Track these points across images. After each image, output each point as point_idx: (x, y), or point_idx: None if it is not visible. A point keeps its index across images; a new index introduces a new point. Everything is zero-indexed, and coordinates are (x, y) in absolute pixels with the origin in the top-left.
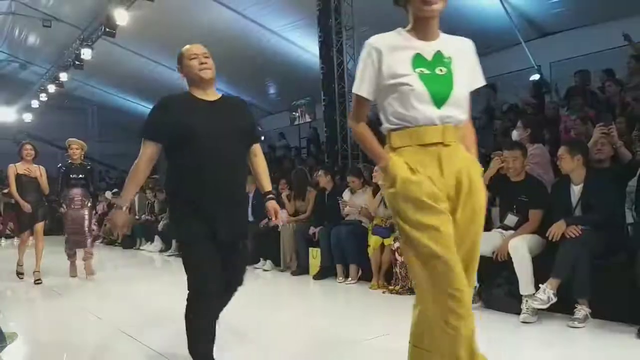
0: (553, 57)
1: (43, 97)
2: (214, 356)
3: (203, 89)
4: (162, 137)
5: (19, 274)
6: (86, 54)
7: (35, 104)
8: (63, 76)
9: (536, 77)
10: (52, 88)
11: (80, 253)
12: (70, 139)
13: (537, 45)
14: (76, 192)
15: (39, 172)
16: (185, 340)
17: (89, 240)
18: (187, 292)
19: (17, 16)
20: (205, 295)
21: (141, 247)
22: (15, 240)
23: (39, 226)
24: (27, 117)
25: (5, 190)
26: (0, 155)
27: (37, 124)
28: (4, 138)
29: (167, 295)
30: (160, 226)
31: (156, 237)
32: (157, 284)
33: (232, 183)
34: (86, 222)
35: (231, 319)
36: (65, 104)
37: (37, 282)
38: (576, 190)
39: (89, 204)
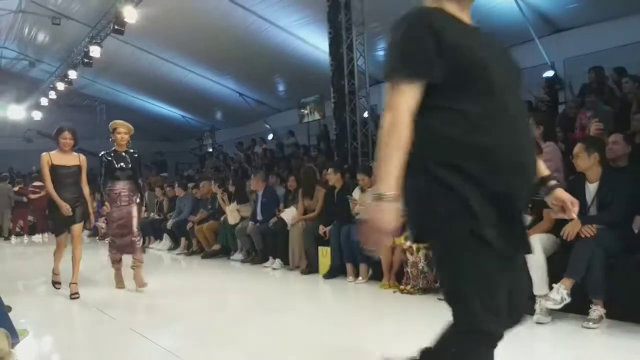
0: (567, 53)
1: (52, 94)
2: (224, 355)
3: (462, 8)
4: (437, 72)
5: (55, 283)
6: (95, 51)
7: (44, 101)
8: (72, 74)
9: (550, 73)
10: (61, 86)
11: (125, 259)
12: (115, 120)
13: (550, 41)
14: (122, 186)
15: (78, 161)
16: (194, 338)
17: (138, 244)
18: (452, 330)
19: (26, 14)
20: (492, 339)
21: (150, 246)
22: (26, 239)
23: (77, 228)
24: (37, 114)
25: (16, 188)
26: (10, 152)
27: (47, 122)
28: (14, 136)
29: (176, 294)
30: (169, 224)
31: (165, 235)
32: (165, 282)
33: (532, 155)
34: (135, 222)
35: (241, 317)
36: (74, 101)
37: (74, 296)
38: (591, 188)
39: (138, 200)
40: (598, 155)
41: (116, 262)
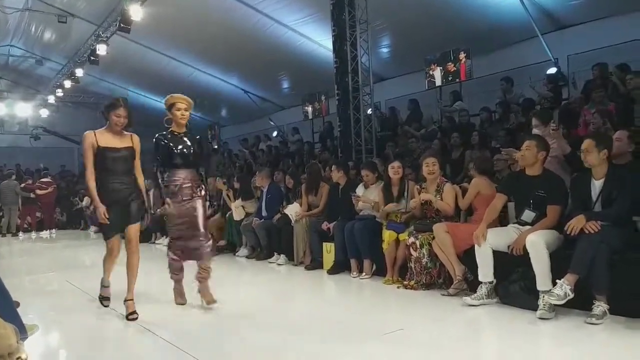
0: (570, 50)
1: (59, 92)
2: (230, 350)
3: None
4: None
5: (103, 299)
6: (101, 49)
7: (51, 99)
8: (79, 72)
9: (553, 70)
10: (68, 83)
11: (188, 267)
12: (172, 94)
13: (554, 38)
14: (183, 176)
15: (131, 142)
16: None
17: (206, 249)
18: None
19: (33, 12)
20: None
21: (156, 242)
22: (34, 235)
23: (134, 230)
24: (44, 112)
25: (23, 185)
26: (17, 149)
27: (53, 119)
28: (21, 133)
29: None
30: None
31: None
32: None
33: None
34: (201, 221)
35: (246, 312)
36: (80, 99)
37: (132, 317)
38: (597, 185)
39: (202, 192)
40: (607, 152)
41: (176, 272)
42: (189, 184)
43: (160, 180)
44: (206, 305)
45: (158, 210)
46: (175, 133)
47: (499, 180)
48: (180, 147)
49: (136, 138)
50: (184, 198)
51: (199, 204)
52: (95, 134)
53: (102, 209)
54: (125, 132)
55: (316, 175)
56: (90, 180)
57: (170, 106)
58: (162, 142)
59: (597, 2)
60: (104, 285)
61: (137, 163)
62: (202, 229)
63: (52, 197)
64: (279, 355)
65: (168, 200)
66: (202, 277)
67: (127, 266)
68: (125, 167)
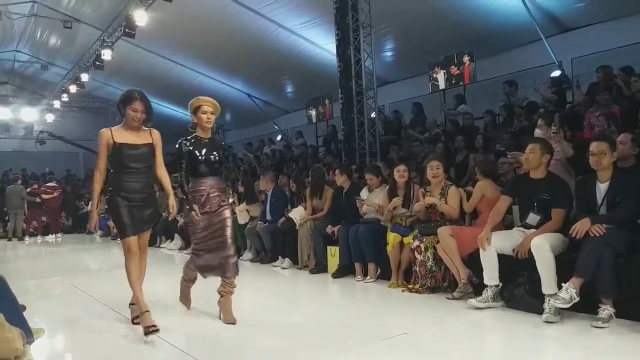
0: (574, 52)
1: (64, 97)
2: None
3: None
4: None
5: (149, 328)
6: (106, 54)
7: (57, 104)
8: (84, 77)
9: (557, 73)
10: (73, 88)
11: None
12: (198, 97)
13: (558, 41)
14: (210, 185)
15: (150, 138)
16: (204, 337)
17: (232, 264)
18: None
19: (38, 18)
20: None
21: (161, 245)
22: (39, 239)
23: (144, 238)
24: (49, 117)
25: (29, 189)
26: (23, 154)
27: (59, 124)
28: (27, 138)
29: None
30: (179, 224)
31: (176, 235)
32: (176, 282)
33: None
34: (229, 232)
35: (250, 316)
36: (86, 104)
37: (137, 320)
38: (602, 188)
39: (230, 200)
40: (615, 155)
41: (189, 281)
42: (216, 193)
43: (185, 188)
44: (224, 322)
45: (184, 218)
46: (200, 138)
47: (504, 183)
48: (205, 152)
49: (156, 133)
50: (212, 208)
51: (227, 213)
52: (111, 130)
53: (95, 219)
54: (144, 128)
55: (320, 179)
56: (97, 182)
57: (196, 109)
58: (186, 148)
59: (601, 5)
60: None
61: (159, 159)
62: (229, 241)
63: (57, 201)
64: (283, 359)
65: (195, 207)
66: (225, 291)
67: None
68: (144, 165)
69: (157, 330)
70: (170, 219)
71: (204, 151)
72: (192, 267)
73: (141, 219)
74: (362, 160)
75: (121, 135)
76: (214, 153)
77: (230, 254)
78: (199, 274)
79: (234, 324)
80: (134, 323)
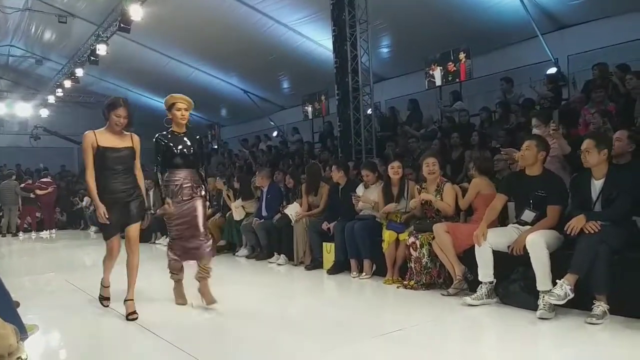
0: (570, 50)
1: (59, 92)
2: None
3: None
4: None
5: (104, 299)
6: (101, 49)
7: (51, 99)
8: (79, 72)
9: (553, 70)
10: (68, 83)
11: (187, 267)
12: (172, 94)
13: (554, 38)
14: (183, 176)
15: (131, 142)
16: (199, 332)
17: (206, 249)
18: None
19: (33, 12)
20: None
21: (157, 242)
22: (34, 235)
23: (134, 230)
24: (44, 112)
25: (23, 185)
26: (17, 149)
27: (54, 119)
28: (21, 133)
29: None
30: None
31: None
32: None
33: None
34: (201, 221)
35: (245, 312)
36: (80, 99)
37: (132, 317)
38: (597, 185)
39: (202, 192)
40: (607, 152)
41: (176, 272)
42: (189, 184)
43: (160, 180)
44: (206, 305)
45: (158, 210)
46: (176, 133)
47: (499, 180)
48: (180, 147)
49: (136, 138)
50: (184, 198)
51: (199, 203)
52: (95, 134)
53: (102, 208)
54: (125, 132)
55: (316, 175)
56: (90, 180)
57: (171, 106)
58: (163, 142)
59: (597, 2)
60: (104, 285)
61: (137, 163)
62: (202, 229)
63: (52, 197)
64: (278, 355)
65: (168, 200)
66: (202, 276)
67: (127, 266)
68: (125, 167)
69: (107, 306)
70: (158, 212)
71: (179, 145)
72: (171, 255)
73: (128, 213)
74: (358, 156)
75: (105, 138)
76: (189, 146)
77: (203, 240)
78: (183, 264)
79: (216, 302)
80: (128, 319)
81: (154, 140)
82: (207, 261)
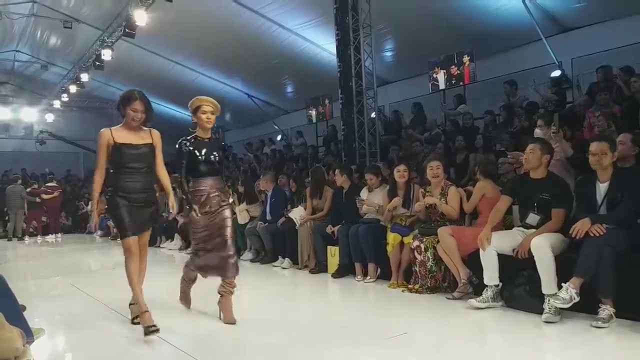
0: (574, 52)
1: (64, 97)
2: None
3: None
4: None
5: (150, 327)
6: (106, 54)
7: (57, 104)
8: (84, 76)
9: (557, 73)
10: (73, 88)
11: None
12: (198, 96)
13: (558, 41)
14: (210, 185)
15: (150, 139)
16: (204, 337)
17: (231, 264)
18: None
19: (38, 18)
20: None
21: (161, 245)
22: (39, 239)
23: (145, 237)
24: (49, 117)
25: (28, 189)
26: (23, 154)
27: (59, 124)
28: (27, 138)
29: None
30: (180, 224)
31: (176, 235)
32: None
33: None
34: (229, 232)
35: (250, 316)
36: (86, 103)
37: (137, 320)
38: (602, 188)
39: (230, 200)
40: (615, 155)
41: (189, 281)
42: (217, 193)
43: (185, 187)
44: (224, 322)
45: (182, 217)
46: (200, 138)
47: (504, 183)
48: (205, 153)
49: (156, 133)
50: (212, 208)
51: (227, 213)
52: (111, 131)
53: (96, 219)
54: (144, 128)
55: (320, 179)
56: (98, 180)
57: (196, 109)
58: (186, 148)
59: (601, 5)
60: (135, 303)
61: (159, 160)
62: (229, 241)
63: (57, 201)
64: (282, 359)
65: (196, 207)
66: (225, 291)
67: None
68: (144, 165)
69: (157, 330)
70: (170, 218)
71: (204, 151)
72: (192, 267)
73: (141, 218)
74: (362, 160)
75: (121, 135)
76: (214, 153)
77: (230, 254)
78: (199, 274)
79: (234, 323)
80: (133, 323)
81: (177, 145)
82: (231, 277)
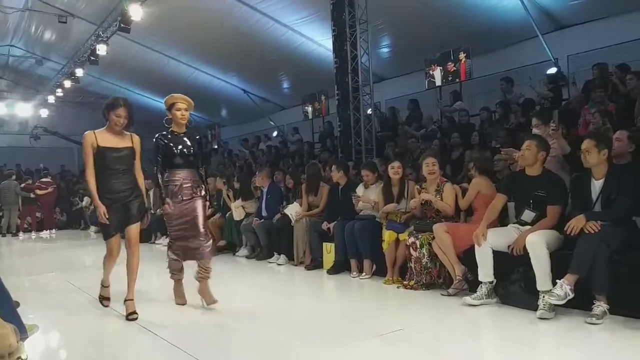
0: (570, 49)
1: (59, 92)
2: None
3: None
4: None
5: (104, 299)
6: (101, 49)
7: (51, 99)
8: (79, 72)
9: (553, 70)
10: (68, 83)
11: (187, 267)
12: (172, 94)
13: (554, 38)
14: (183, 176)
15: (131, 143)
16: (200, 333)
17: (206, 249)
18: None
19: (33, 12)
20: None
21: (156, 242)
22: (34, 235)
23: (134, 230)
24: (44, 112)
25: (23, 185)
26: (17, 149)
27: (54, 119)
28: (21, 133)
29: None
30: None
31: None
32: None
33: None
34: (201, 221)
35: (245, 312)
36: (80, 99)
37: (131, 317)
38: (597, 185)
39: (202, 193)
40: (607, 152)
41: (176, 272)
42: (189, 184)
43: (160, 180)
44: (207, 305)
45: (158, 210)
46: (175, 133)
47: (499, 180)
48: (180, 147)
49: (136, 138)
50: (184, 198)
51: (199, 203)
52: (95, 134)
53: (102, 208)
54: (126, 132)
55: (316, 175)
56: (90, 180)
57: (171, 106)
58: (162, 142)
59: (597, 2)
60: (104, 285)
61: (137, 163)
62: (202, 229)
63: (52, 197)
64: (278, 355)
65: (168, 200)
66: (202, 277)
67: (127, 266)
68: (125, 167)
69: (107, 305)
70: (159, 212)
71: (179, 145)
72: (171, 255)
73: (128, 213)
74: (358, 156)
75: (104, 138)
76: (189, 146)
77: (203, 240)
78: (183, 264)
79: (216, 302)
80: (128, 319)
81: (154, 140)
82: (207, 261)
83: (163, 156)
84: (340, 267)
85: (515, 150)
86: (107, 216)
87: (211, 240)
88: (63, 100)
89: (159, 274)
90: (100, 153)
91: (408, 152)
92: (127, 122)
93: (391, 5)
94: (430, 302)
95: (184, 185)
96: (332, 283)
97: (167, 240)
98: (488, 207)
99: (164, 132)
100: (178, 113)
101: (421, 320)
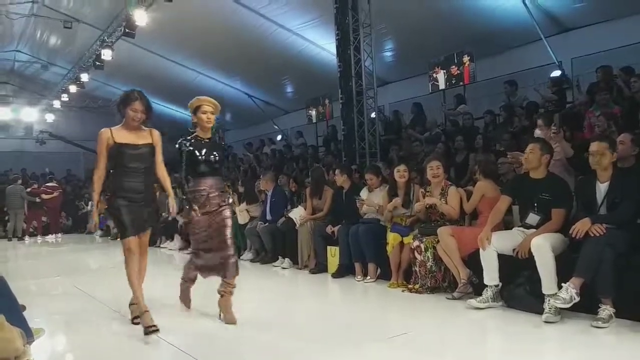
0: (574, 52)
1: (65, 97)
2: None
3: None
4: None
5: (149, 327)
6: (106, 54)
7: (57, 104)
8: (84, 76)
9: (557, 73)
10: (73, 88)
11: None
12: (198, 97)
13: (558, 41)
14: (210, 185)
15: (150, 139)
16: (205, 337)
17: (231, 264)
18: None
19: (38, 18)
20: None
21: (161, 245)
22: (39, 239)
23: (144, 237)
24: (49, 117)
25: (29, 189)
26: (23, 154)
27: (59, 124)
28: (27, 138)
29: None
30: (180, 224)
31: (176, 235)
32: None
33: None
34: (229, 232)
35: (250, 316)
36: (86, 103)
37: (137, 320)
38: (602, 188)
39: (230, 200)
40: (615, 155)
41: (189, 281)
42: (216, 193)
43: (186, 188)
44: (225, 323)
45: (182, 217)
46: (199, 138)
47: (504, 183)
48: (205, 153)
49: (156, 133)
50: (212, 208)
51: (227, 214)
52: (111, 131)
53: (96, 220)
54: (144, 128)
55: (320, 179)
56: (97, 183)
57: (196, 109)
58: (186, 148)
59: (601, 5)
60: (134, 303)
61: (159, 160)
62: (229, 242)
63: (57, 201)
64: (282, 359)
65: (195, 207)
66: (225, 291)
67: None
68: (144, 165)
69: (157, 330)
70: (169, 219)
71: (204, 151)
72: (192, 267)
73: (141, 218)
74: (362, 160)
75: (121, 135)
76: (214, 153)
77: (230, 254)
78: (199, 274)
79: (235, 324)
80: (133, 323)
81: (177, 145)
82: (231, 277)
83: (187, 163)
84: (344, 270)
85: (521, 154)
86: (97, 228)
87: (237, 256)
88: (68, 105)
89: (164, 278)
90: (117, 150)
91: (412, 156)
92: (144, 117)
93: (394, 9)
94: (435, 305)
95: (211, 195)
96: (336, 287)
97: (191, 252)
98: (492, 210)
99: (188, 137)
100: (204, 116)
101: (426, 323)
